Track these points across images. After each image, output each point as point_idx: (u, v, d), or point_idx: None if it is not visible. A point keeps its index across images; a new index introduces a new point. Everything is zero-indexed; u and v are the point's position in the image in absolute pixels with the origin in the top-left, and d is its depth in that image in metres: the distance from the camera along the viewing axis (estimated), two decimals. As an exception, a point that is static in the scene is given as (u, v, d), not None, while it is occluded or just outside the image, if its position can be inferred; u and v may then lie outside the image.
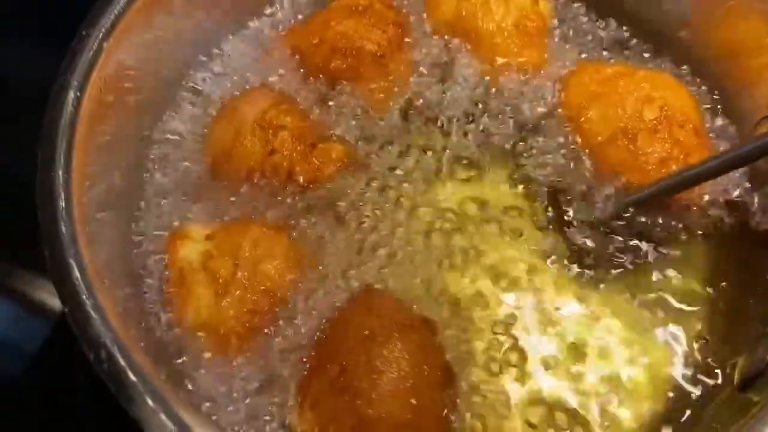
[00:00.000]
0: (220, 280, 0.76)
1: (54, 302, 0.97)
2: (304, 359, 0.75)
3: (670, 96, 0.86)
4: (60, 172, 0.70)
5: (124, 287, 0.77)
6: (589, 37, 0.98)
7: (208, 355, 0.76)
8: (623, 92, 0.86)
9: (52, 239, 0.66)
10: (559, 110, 0.91)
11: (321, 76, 0.91)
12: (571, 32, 0.98)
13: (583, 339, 0.78)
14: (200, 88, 0.94)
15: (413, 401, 0.68)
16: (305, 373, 0.73)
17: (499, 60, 0.93)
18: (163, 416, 0.59)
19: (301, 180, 0.84)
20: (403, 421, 0.67)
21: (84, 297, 0.64)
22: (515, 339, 0.78)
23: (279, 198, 0.85)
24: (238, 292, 0.76)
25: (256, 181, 0.84)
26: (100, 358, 0.62)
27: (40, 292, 0.97)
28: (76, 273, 0.65)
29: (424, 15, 0.97)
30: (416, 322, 0.75)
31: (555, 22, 0.99)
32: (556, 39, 0.98)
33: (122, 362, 0.61)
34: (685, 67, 0.95)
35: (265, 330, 0.77)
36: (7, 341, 0.95)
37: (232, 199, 0.85)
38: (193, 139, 0.91)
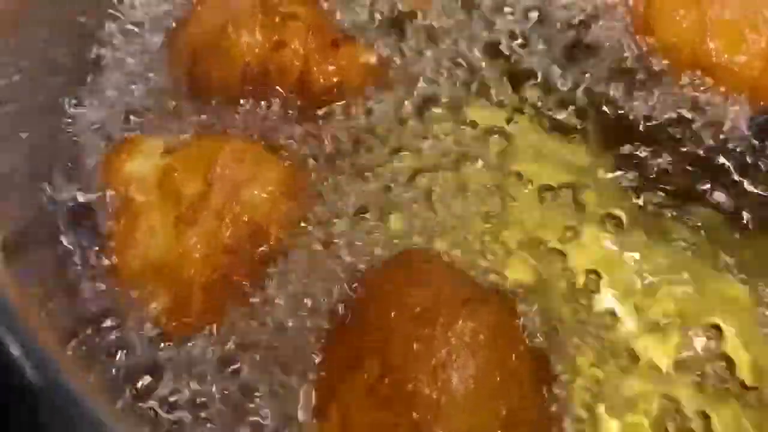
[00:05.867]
0: (184, 205, 0.55)
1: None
2: (315, 342, 0.53)
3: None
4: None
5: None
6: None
7: (158, 316, 0.53)
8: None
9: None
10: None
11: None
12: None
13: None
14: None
15: (502, 410, 0.48)
16: (322, 366, 0.52)
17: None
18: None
19: (319, 86, 0.63)
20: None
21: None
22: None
23: (280, 113, 0.63)
24: (209, 222, 0.54)
25: (250, 88, 0.63)
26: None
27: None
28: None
29: None
30: (484, 294, 0.54)
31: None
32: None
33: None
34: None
35: (248, 287, 0.54)
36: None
37: (204, 116, 0.63)
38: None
